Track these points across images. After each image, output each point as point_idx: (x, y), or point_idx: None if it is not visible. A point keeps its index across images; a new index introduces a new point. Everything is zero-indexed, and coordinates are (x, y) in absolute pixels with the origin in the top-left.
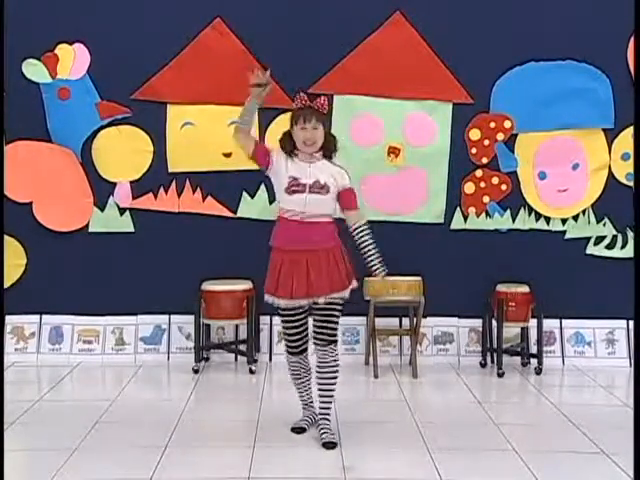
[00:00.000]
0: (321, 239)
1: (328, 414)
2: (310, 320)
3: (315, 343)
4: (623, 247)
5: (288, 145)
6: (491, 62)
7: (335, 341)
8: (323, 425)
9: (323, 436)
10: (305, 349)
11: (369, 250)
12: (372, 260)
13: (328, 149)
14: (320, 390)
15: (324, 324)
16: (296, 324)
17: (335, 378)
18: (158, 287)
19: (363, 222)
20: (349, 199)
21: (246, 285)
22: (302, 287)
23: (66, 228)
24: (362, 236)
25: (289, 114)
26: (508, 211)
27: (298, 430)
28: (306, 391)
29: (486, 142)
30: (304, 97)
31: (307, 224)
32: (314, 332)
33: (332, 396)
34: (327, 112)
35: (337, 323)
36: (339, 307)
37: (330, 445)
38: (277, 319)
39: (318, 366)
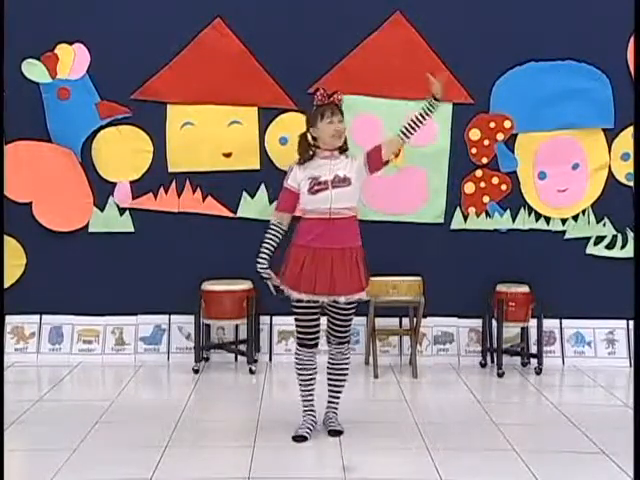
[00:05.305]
0: (347, 238)
1: (336, 408)
2: (323, 319)
3: (329, 342)
4: (623, 247)
5: (307, 148)
6: (491, 62)
7: (349, 341)
8: (330, 416)
9: (330, 424)
10: (317, 344)
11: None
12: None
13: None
14: (330, 386)
15: (341, 324)
16: (311, 317)
17: (345, 375)
18: (158, 287)
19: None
20: (373, 149)
21: (246, 285)
22: (325, 284)
23: (66, 228)
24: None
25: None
26: (508, 211)
27: (299, 439)
28: (309, 391)
29: (486, 142)
30: (325, 93)
31: (334, 221)
32: (329, 331)
33: (341, 392)
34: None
35: (351, 324)
36: (355, 309)
37: (335, 433)
38: (277, 319)
39: (330, 363)
